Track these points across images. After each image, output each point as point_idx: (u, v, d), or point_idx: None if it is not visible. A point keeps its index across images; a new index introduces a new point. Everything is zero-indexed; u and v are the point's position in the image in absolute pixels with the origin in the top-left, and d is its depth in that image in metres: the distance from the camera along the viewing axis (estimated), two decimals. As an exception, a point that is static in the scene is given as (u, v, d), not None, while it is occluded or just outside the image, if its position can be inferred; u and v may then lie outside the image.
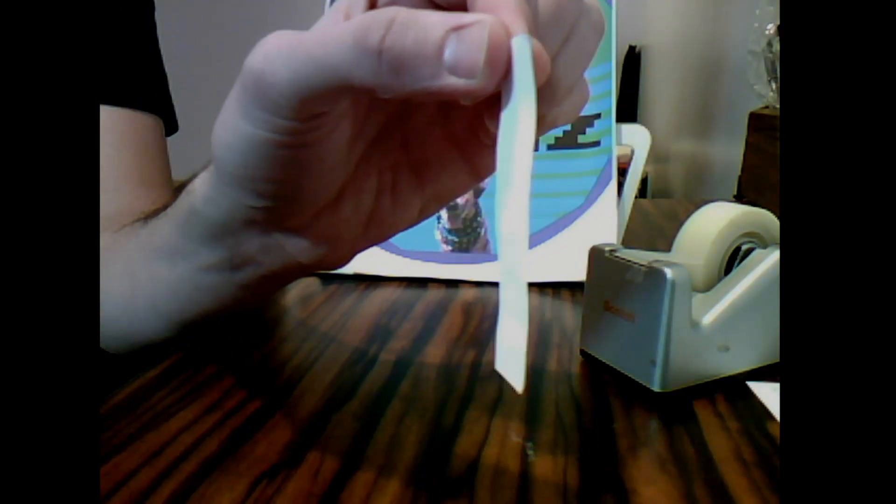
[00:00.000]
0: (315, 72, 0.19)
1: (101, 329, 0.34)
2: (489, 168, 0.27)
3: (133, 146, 0.45)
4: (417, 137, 0.26)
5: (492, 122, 0.21)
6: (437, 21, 0.18)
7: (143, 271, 0.32)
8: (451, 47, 0.18)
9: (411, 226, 0.28)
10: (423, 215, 0.27)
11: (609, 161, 0.48)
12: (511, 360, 0.18)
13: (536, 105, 0.18)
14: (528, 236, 0.18)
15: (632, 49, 2.72)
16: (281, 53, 0.19)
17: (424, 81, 0.18)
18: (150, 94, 0.48)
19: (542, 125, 0.23)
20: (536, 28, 0.19)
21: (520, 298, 0.18)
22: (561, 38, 0.21)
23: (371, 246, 0.28)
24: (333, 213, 0.25)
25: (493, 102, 0.20)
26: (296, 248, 0.26)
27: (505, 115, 0.19)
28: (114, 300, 0.33)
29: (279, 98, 0.20)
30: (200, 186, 0.26)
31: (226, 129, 0.22)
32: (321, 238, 0.26)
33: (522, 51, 0.18)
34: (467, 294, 0.45)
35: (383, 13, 0.18)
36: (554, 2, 0.20)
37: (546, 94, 0.21)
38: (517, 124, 0.18)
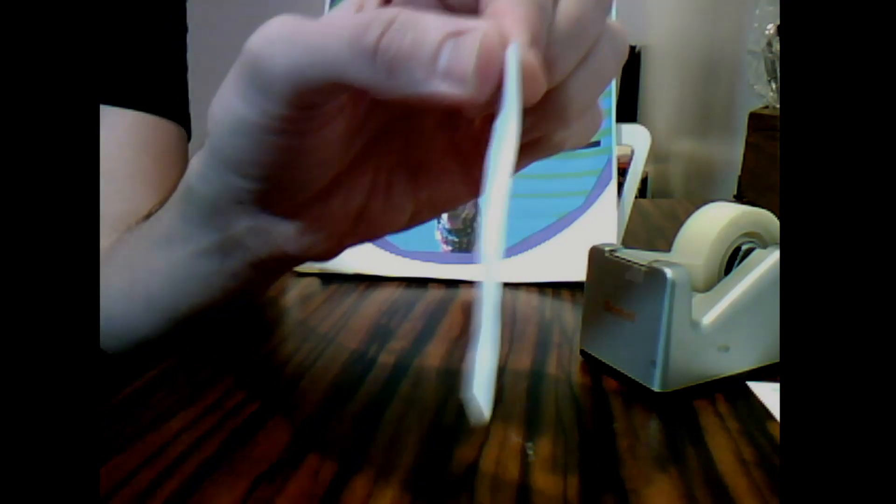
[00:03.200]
0: (311, 63, 0.19)
1: (100, 326, 0.34)
2: None
3: (153, 151, 0.45)
4: (419, 141, 0.26)
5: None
6: (436, 25, 0.17)
7: (142, 263, 0.32)
8: (446, 53, 0.17)
9: (402, 229, 0.27)
10: (414, 220, 0.27)
11: (609, 161, 0.48)
12: (480, 386, 0.18)
13: (520, 120, 0.18)
14: (501, 259, 0.17)
15: (632, 49, 2.71)
16: (281, 38, 0.19)
17: (417, 86, 0.18)
18: (176, 105, 0.49)
19: (548, 146, 0.23)
20: (547, 40, 0.19)
21: (493, 322, 0.18)
22: (577, 57, 0.20)
23: (360, 243, 0.27)
24: (322, 204, 0.25)
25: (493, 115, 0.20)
26: (282, 234, 0.26)
27: (495, 130, 0.18)
28: (113, 295, 0.33)
29: (274, 84, 0.20)
30: (195, 164, 0.26)
31: (220, 106, 0.22)
32: (307, 228, 0.25)
33: (511, 62, 0.17)
34: (467, 294, 0.45)
35: (385, 12, 0.18)
36: (572, 20, 0.20)
37: (555, 114, 0.20)
38: (499, 141, 0.18)
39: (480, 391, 0.17)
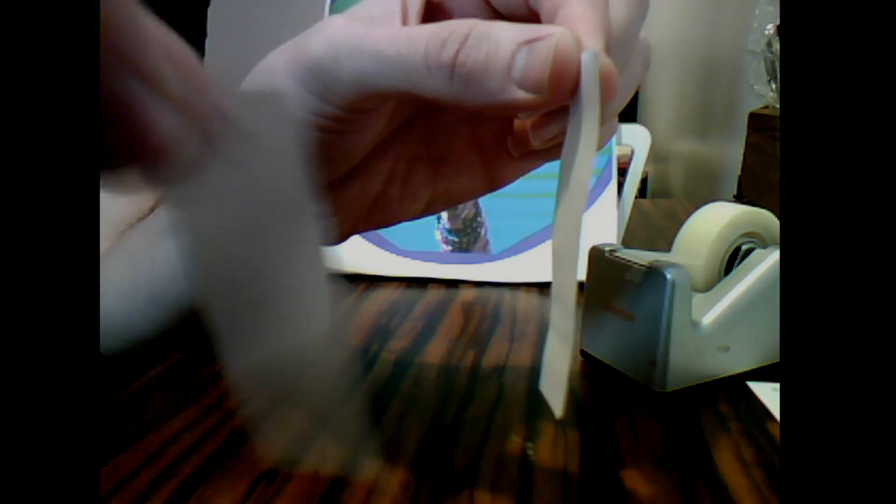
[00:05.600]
0: (382, 74, 0.19)
1: (100, 325, 0.34)
2: (506, 179, 0.27)
3: None
4: (442, 134, 0.26)
5: (535, 134, 0.20)
6: (509, 33, 0.18)
7: (145, 255, 0.32)
8: (520, 61, 0.17)
9: (415, 218, 0.28)
10: (428, 210, 0.27)
11: (609, 161, 0.48)
12: (553, 383, 0.18)
13: (599, 124, 0.18)
14: (578, 257, 0.18)
15: (632, 49, 2.71)
16: (348, 45, 0.19)
17: (493, 96, 0.18)
18: None
19: None
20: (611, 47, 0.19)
21: (566, 320, 0.18)
22: (622, 64, 0.21)
23: (373, 229, 0.27)
24: (339, 189, 0.25)
25: (541, 117, 0.20)
26: None
27: (569, 131, 0.18)
28: (114, 291, 0.33)
29: (336, 88, 0.20)
30: None
31: None
32: (322, 211, 0.25)
33: (590, 67, 0.18)
34: (467, 294, 0.45)
35: (460, 26, 0.18)
36: (624, 29, 0.20)
37: None
38: (578, 143, 0.18)
39: (551, 389, 0.17)
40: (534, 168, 0.26)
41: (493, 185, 0.27)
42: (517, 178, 0.27)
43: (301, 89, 0.20)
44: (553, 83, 0.17)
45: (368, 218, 0.27)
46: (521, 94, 0.18)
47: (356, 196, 0.25)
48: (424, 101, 0.23)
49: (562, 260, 0.18)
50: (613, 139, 0.48)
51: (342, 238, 0.27)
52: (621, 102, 0.22)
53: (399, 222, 0.27)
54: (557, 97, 0.18)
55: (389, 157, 0.26)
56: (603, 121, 0.21)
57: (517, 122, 0.25)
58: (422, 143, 0.26)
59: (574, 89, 0.18)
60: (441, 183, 0.27)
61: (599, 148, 0.24)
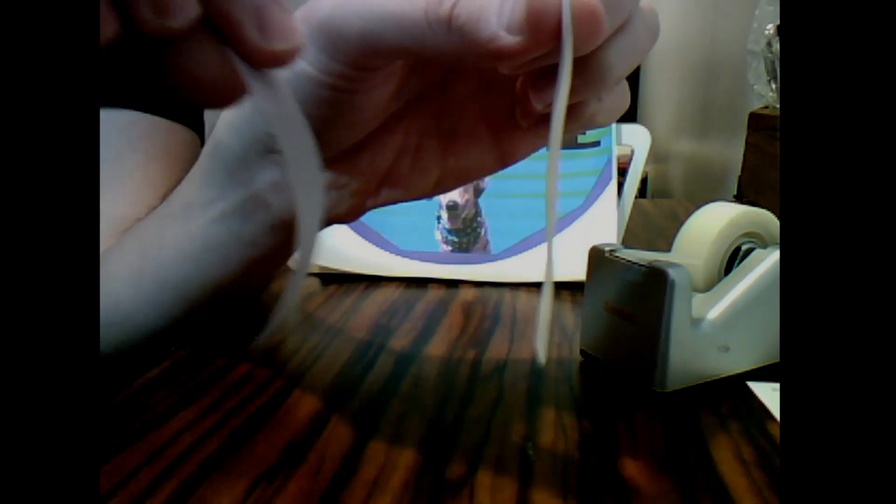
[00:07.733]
0: (388, 30, 0.19)
1: (103, 318, 0.33)
2: (517, 154, 0.27)
3: (164, 157, 0.45)
4: (453, 108, 0.26)
5: (536, 96, 0.21)
6: None
7: (153, 241, 0.32)
8: (508, 7, 0.18)
9: (426, 195, 0.28)
10: (438, 188, 0.28)
11: (609, 161, 0.48)
12: (539, 334, 0.19)
13: (570, 68, 0.18)
14: (555, 217, 0.19)
15: (632, 49, 2.70)
16: (355, 2, 0.20)
17: (486, 44, 0.18)
18: (190, 110, 0.48)
19: (583, 116, 0.23)
20: None
21: (547, 287, 0.19)
22: (615, 24, 0.21)
23: (383, 205, 0.28)
24: (350, 161, 0.25)
25: (538, 75, 0.20)
26: None
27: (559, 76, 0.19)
28: (120, 280, 0.33)
29: (343, 45, 0.20)
30: (226, 115, 0.27)
31: None
32: (333, 184, 0.26)
33: (568, 7, 0.18)
34: (467, 294, 0.45)
35: None
36: None
37: (594, 78, 0.21)
38: (556, 92, 0.18)
39: (538, 340, 0.19)
40: (544, 144, 0.26)
41: (503, 160, 0.27)
42: (528, 153, 0.27)
43: (311, 47, 0.21)
44: (531, 22, 0.18)
45: (378, 192, 0.27)
46: (507, 39, 0.18)
47: (366, 169, 0.26)
48: (429, 61, 0.23)
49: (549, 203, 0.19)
50: (613, 139, 0.48)
51: (351, 215, 0.27)
52: (625, 70, 0.22)
53: (410, 199, 0.28)
54: (539, 38, 0.18)
55: (400, 131, 0.26)
56: (604, 83, 0.21)
57: (521, 88, 0.25)
58: (432, 117, 0.26)
59: (558, 30, 0.18)
60: (451, 158, 0.27)
61: (612, 119, 0.24)
